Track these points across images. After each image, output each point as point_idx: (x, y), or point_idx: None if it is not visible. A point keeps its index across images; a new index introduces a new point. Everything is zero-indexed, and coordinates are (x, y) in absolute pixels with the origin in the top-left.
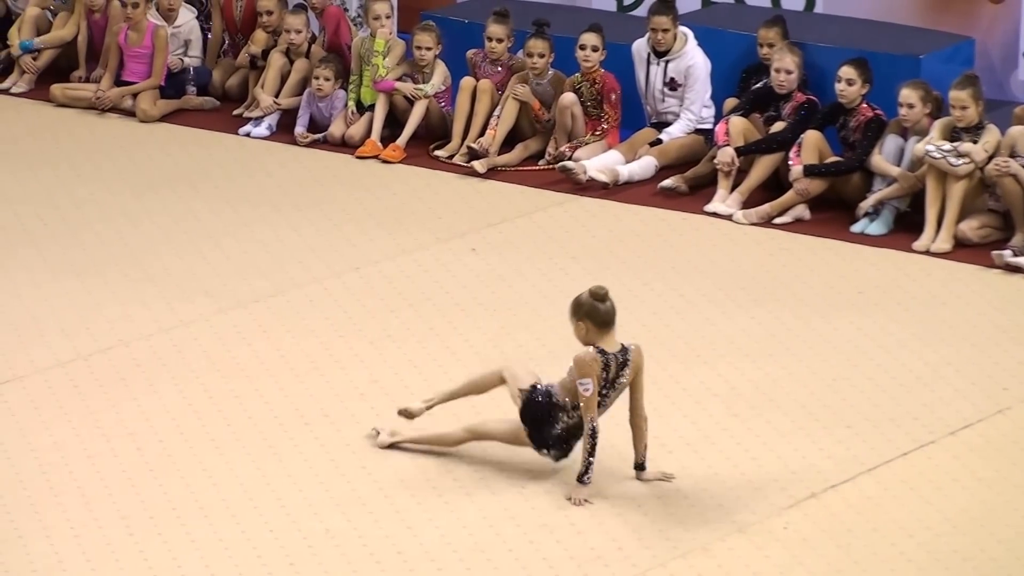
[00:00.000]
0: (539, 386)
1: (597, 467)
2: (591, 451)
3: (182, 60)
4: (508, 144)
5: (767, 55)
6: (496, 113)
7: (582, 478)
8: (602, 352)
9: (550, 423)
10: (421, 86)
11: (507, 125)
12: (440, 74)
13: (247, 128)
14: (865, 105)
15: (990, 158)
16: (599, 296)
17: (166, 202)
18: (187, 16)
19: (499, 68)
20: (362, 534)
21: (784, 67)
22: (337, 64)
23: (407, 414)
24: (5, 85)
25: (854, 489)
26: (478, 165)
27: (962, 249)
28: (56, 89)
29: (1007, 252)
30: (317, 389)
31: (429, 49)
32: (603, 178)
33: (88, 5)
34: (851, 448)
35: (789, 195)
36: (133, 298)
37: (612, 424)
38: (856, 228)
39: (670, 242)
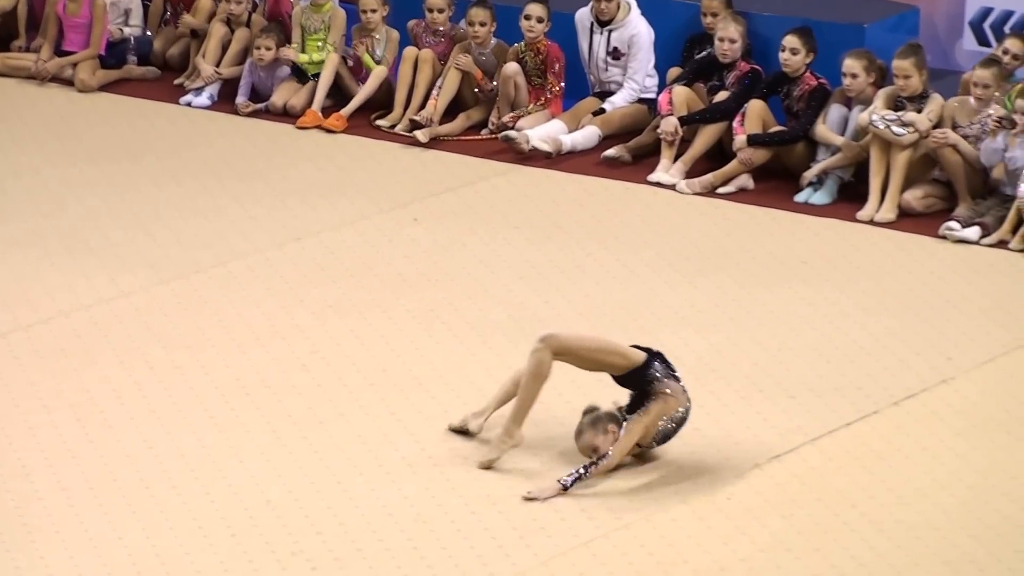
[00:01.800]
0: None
1: (546, 451)
2: (592, 471)
3: (122, 30)
4: (450, 114)
5: (711, 24)
6: (438, 84)
7: (569, 486)
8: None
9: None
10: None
11: (449, 95)
12: (392, 43)
13: (188, 98)
14: (809, 74)
15: (935, 127)
16: (597, 408)
17: (106, 173)
18: None
19: (440, 38)
20: (303, 505)
21: (728, 36)
22: (278, 34)
23: (464, 431)
24: None
25: (797, 459)
26: (420, 135)
27: (906, 219)
28: None
29: (955, 225)
30: (258, 360)
31: (375, 11)
32: (546, 148)
33: None
34: (794, 418)
35: (733, 165)
36: (73, 269)
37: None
38: (800, 198)
39: (613, 212)
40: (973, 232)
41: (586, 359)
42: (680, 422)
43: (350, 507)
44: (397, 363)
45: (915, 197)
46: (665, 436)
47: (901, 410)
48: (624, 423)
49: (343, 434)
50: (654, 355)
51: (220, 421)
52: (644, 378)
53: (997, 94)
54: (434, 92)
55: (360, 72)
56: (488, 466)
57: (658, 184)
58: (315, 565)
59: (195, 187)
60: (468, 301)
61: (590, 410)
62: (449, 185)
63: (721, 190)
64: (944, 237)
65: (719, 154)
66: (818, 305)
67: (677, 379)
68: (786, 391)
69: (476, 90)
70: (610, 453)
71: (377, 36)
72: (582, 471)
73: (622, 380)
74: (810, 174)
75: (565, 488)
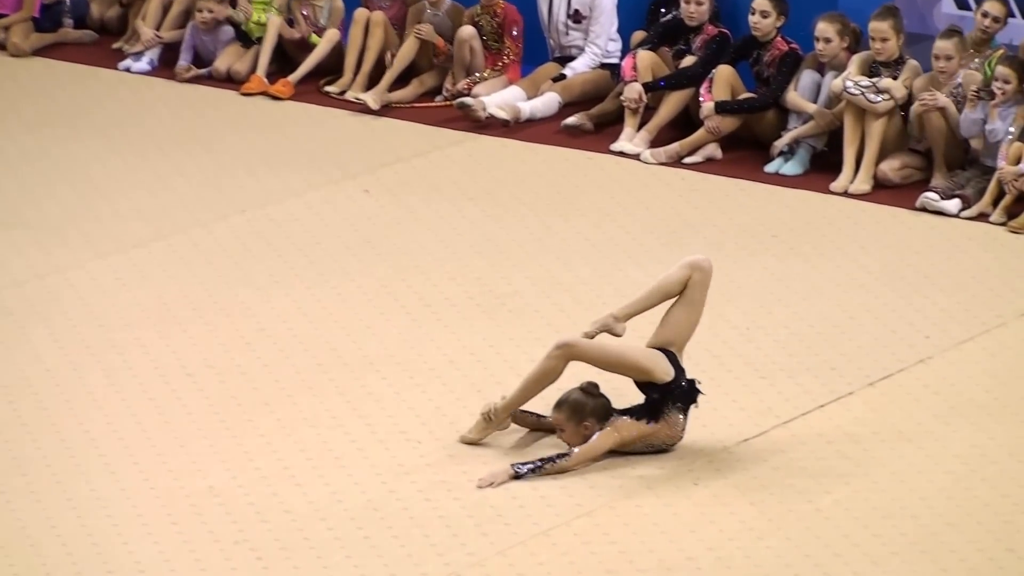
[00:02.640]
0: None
1: (504, 434)
2: (549, 467)
3: None
4: (403, 80)
5: None
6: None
7: (522, 475)
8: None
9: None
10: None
11: (405, 62)
12: (337, 12)
13: (127, 63)
14: (780, 39)
15: (910, 95)
16: (593, 391)
17: (41, 142)
18: None
19: (392, 1)
20: (248, 491)
21: None
22: None
23: (490, 422)
24: None
25: (768, 443)
26: (371, 102)
27: (882, 190)
28: None
29: (933, 196)
30: (201, 339)
31: None
32: (503, 115)
33: None
34: (765, 400)
35: (700, 133)
36: (5, 243)
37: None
38: (770, 168)
39: (574, 183)
40: (953, 204)
41: (604, 367)
42: (658, 450)
43: (297, 494)
44: (347, 342)
45: (891, 168)
46: (635, 452)
47: (876, 391)
48: (606, 424)
49: (290, 417)
50: (680, 377)
51: (160, 403)
52: (660, 397)
53: (976, 62)
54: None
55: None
56: (470, 443)
57: (621, 154)
58: (260, 555)
59: (134, 157)
60: (422, 277)
61: (586, 390)
62: (401, 155)
63: (687, 160)
64: (923, 208)
65: (685, 122)
66: (789, 281)
67: (686, 411)
68: (756, 371)
69: (433, 56)
70: (573, 452)
71: (320, 3)
72: (539, 464)
73: (641, 386)
74: (781, 143)
75: (517, 476)
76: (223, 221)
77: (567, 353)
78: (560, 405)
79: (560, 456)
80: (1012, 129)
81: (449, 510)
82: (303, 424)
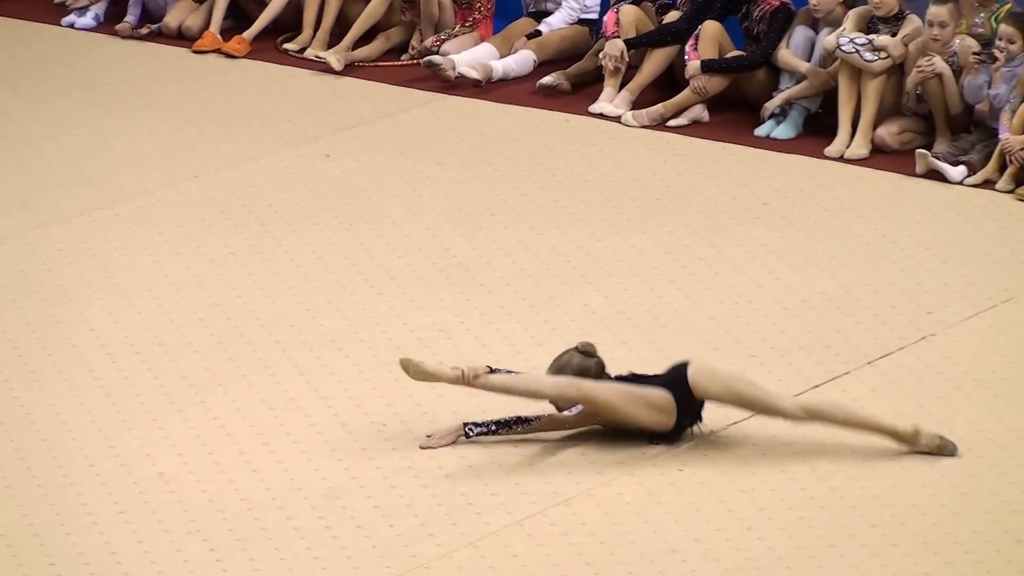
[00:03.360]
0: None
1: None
2: (505, 432)
3: None
4: (367, 36)
5: None
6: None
7: (470, 432)
8: None
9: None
10: None
11: (371, 20)
12: None
13: (71, 18)
14: None
15: (920, 56)
16: (589, 352)
17: None
18: None
19: None
20: (200, 478)
21: None
22: None
23: (458, 379)
24: None
25: (759, 426)
26: (333, 61)
27: (880, 155)
28: None
29: (927, 153)
30: (150, 314)
31: None
32: (474, 75)
33: None
34: (755, 380)
35: (685, 94)
36: None
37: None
38: (761, 131)
39: (550, 147)
40: (957, 172)
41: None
42: (648, 435)
43: (253, 481)
44: (306, 318)
45: (890, 133)
46: (621, 431)
47: (875, 371)
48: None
49: (245, 398)
50: (682, 422)
51: (106, 383)
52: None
53: (981, 16)
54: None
55: None
56: (412, 367)
57: (601, 116)
58: (213, 546)
59: (78, 118)
60: (387, 248)
61: (584, 351)
62: (365, 117)
63: (672, 122)
64: (924, 173)
65: (669, 82)
66: (781, 252)
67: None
68: (745, 349)
69: (402, 14)
70: (541, 419)
71: None
72: (494, 427)
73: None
74: (772, 105)
75: (468, 437)
76: (174, 187)
77: (574, 395)
78: (560, 372)
79: (522, 422)
80: (1013, 97)
81: (416, 498)
82: (260, 406)
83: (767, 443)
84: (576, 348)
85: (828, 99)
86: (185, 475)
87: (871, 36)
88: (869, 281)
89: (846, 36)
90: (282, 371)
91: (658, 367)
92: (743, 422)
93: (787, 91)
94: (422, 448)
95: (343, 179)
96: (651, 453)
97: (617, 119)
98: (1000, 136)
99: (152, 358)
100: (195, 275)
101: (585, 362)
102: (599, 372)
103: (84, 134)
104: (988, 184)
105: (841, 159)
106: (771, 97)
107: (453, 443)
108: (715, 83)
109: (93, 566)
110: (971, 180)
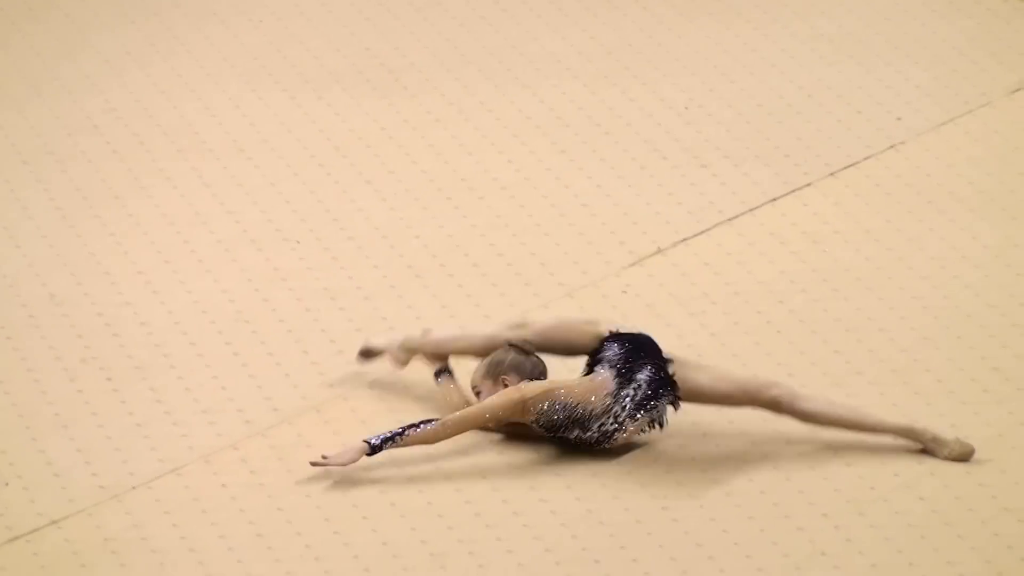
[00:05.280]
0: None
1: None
2: (411, 436)
3: None
4: None
5: None
6: None
7: (377, 447)
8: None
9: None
10: None
11: None
12: None
13: None
14: None
15: None
16: (525, 348)
17: None
18: None
19: None
20: (96, 300)
21: None
22: None
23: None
24: None
25: (710, 243)
26: None
27: None
28: None
29: None
30: (37, 120)
31: None
32: None
33: None
34: (707, 193)
35: None
36: None
37: None
38: None
39: None
40: None
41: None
42: (575, 418)
43: (154, 302)
44: (211, 124)
45: None
46: (551, 425)
47: (839, 182)
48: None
49: (144, 212)
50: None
51: None
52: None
53: None
54: None
55: None
56: (366, 351)
57: None
58: (110, 375)
59: None
60: (300, 47)
61: (516, 346)
62: None
63: None
64: None
65: None
66: (736, 51)
67: (616, 370)
68: (696, 158)
69: None
70: (446, 419)
71: None
72: (399, 432)
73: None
74: None
75: (373, 451)
76: None
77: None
78: (480, 366)
79: (425, 422)
80: None
81: (331, 319)
82: (160, 221)
83: (718, 262)
84: (509, 343)
85: None
86: (79, 297)
87: None
88: (832, 84)
89: None
90: (185, 182)
91: (601, 179)
92: (693, 238)
93: None
94: (312, 465)
95: None
96: (594, 272)
97: None
98: None
99: (41, 168)
100: (87, 76)
101: (504, 352)
102: (532, 372)
103: None
104: None
105: None
106: None
107: (356, 460)
108: None
109: None
110: None
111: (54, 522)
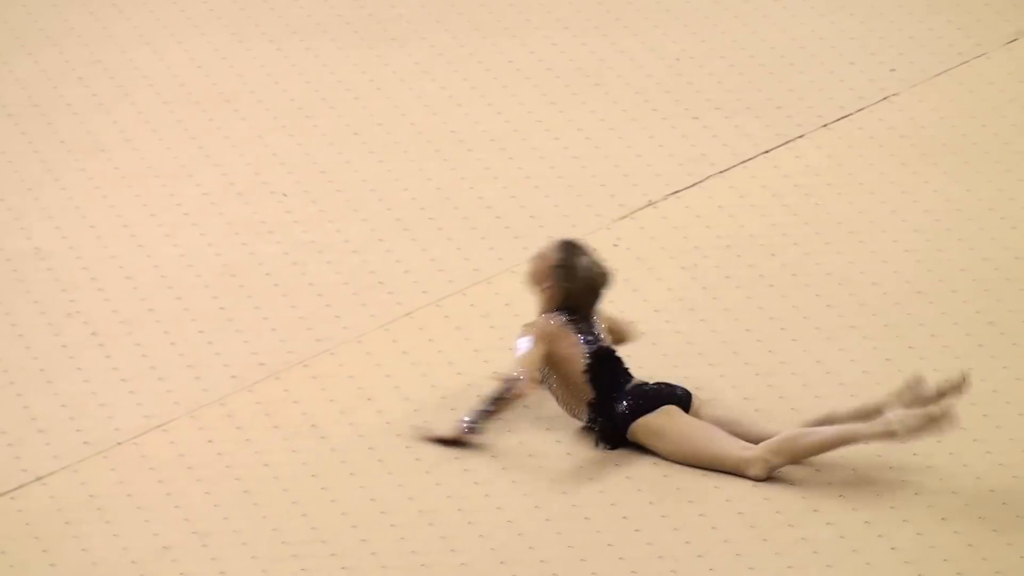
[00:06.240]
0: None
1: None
2: (501, 405)
3: None
4: None
5: None
6: None
7: (476, 427)
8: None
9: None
10: None
11: None
12: None
13: None
14: None
15: None
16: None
17: None
18: None
19: None
20: (81, 254)
21: None
22: None
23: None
24: None
25: (702, 195)
26: None
27: None
28: None
29: None
30: (23, 72)
31: None
32: None
33: None
34: (698, 144)
35: None
36: None
37: None
38: None
39: None
40: None
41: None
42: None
43: (140, 257)
44: (198, 75)
45: None
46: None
47: (832, 134)
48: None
49: (130, 164)
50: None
51: None
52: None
53: None
54: None
55: None
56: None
57: None
58: (95, 329)
59: None
60: None
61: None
62: None
63: None
64: None
65: None
66: (728, 1)
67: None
68: (687, 110)
69: None
70: (519, 376)
71: None
72: (490, 407)
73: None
74: None
75: (472, 430)
76: None
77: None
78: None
79: (508, 389)
80: None
81: (320, 275)
82: (146, 173)
83: (709, 215)
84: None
85: None
86: (64, 251)
87: None
88: (825, 34)
89: None
90: (171, 134)
91: (591, 131)
92: (684, 191)
93: None
94: (427, 439)
95: None
96: (585, 224)
97: None
98: None
99: (25, 119)
100: (73, 27)
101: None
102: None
103: None
104: None
105: None
106: None
107: (462, 443)
108: None
109: None
110: None
111: (39, 478)
